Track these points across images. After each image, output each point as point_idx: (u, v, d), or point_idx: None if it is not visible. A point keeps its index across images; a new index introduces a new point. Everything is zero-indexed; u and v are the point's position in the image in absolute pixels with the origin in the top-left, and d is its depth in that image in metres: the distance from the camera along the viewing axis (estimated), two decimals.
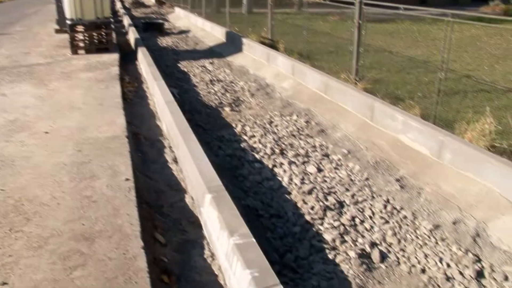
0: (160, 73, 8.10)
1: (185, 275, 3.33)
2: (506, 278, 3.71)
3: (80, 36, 10.32)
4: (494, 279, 3.71)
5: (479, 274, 3.75)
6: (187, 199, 4.35)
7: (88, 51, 10.39)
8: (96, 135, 5.36)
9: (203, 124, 6.79)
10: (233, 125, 6.78)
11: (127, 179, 4.26)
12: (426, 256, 3.94)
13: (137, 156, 5.18)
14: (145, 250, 3.24)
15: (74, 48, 10.32)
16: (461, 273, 3.74)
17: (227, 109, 7.48)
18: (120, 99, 6.83)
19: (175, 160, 5.19)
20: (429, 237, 4.21)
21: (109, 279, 2.91)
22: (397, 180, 5.20)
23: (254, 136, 6.32)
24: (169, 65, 10.67)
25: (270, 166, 5.46)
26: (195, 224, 3.97)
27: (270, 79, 9.30)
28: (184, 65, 10.72)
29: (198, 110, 7.35)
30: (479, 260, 3.91)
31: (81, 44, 10.42)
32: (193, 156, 4.48)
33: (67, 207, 3.77)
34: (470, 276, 3.70)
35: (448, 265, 3.83)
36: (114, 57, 9.99)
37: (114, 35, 11.47)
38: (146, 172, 4.84)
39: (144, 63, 9.20)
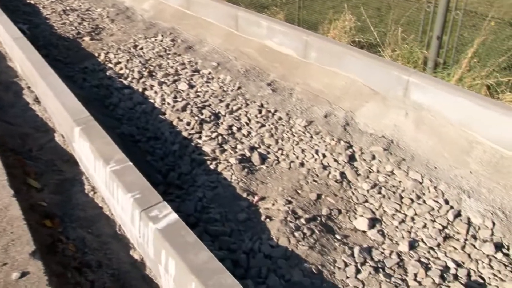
0: (0, 8, 7.19)
1: (69, 214, 3.19)
2: (373, 157, 4.08)
3: None
4: (364, 160, 4.06)
5: (351, 158, 4.07)
6: (57, 138, 4.08)
7: None
8: None
9: (62, 58, 6.26)
10: (96, 54, 6.35)
11: None
12: (303, 151, 4.16)
13: None
14: (17, 197, 3.01)
15: None
16: (335, 160, 4.02)
17: (86, 38, 6.95)
18: None
19: (37, 100, 4.78)
20: (304, 133, 4.43)
21: None
22: (269, 85, 5.32)
23: (119, 62, 6.00)
24: None
25: (141, 90, 5.27)
26: (70, 161, 3.78)
27: (129, 2, 8.75)
28: None
29: (54, 44, 6.74)
30: (350, 146, 4.23)
31: None
32: (55, 92, 4.15)
33: None
34: (344, 161, 4.00)
35: (324, 155, 4.10)
36: None
37: None
38: (5, 118, 4.41)
39: None
